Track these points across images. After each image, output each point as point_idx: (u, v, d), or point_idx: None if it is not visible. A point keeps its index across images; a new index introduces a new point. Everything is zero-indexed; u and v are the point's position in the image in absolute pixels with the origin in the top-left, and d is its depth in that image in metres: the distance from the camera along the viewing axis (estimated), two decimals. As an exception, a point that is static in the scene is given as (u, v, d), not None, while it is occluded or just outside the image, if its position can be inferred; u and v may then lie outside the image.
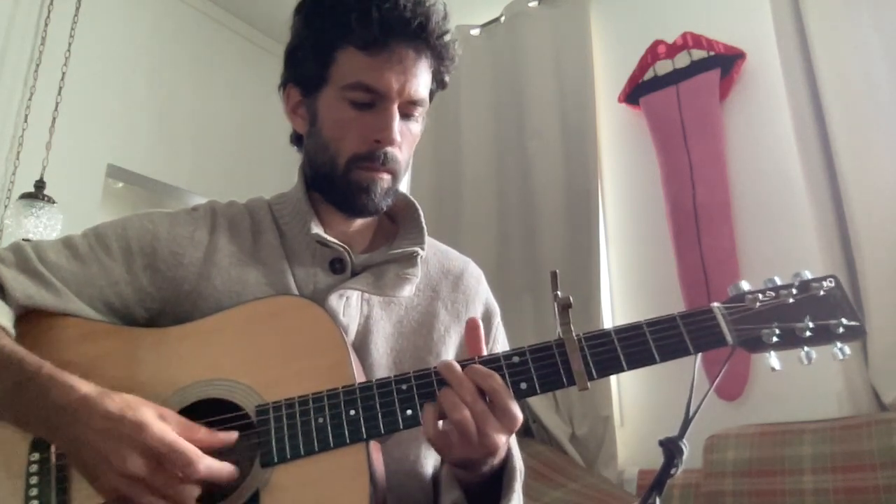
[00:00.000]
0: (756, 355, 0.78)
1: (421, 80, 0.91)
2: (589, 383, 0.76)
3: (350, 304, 0.91)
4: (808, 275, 0.80)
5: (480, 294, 1.06)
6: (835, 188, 2.04)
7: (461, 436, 0.74)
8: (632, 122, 2.66)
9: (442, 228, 2.82)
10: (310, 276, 0.93)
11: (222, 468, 0.74)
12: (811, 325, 0.76)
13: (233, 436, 0.77)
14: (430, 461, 0.93)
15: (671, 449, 0.70)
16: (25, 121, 2.53)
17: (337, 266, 0.94)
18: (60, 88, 2.60)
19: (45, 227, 2.33)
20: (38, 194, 2.39)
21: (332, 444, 0.76)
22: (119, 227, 0.93)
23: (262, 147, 3.31)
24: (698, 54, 2.47)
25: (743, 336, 0.77)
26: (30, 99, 2.55)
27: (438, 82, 0.98)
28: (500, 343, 1.05)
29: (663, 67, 2.56)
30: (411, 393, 0.77)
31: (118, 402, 0.73)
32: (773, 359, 0.77)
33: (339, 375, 0.79)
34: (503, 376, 0.77)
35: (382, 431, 0.76)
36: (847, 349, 0.77)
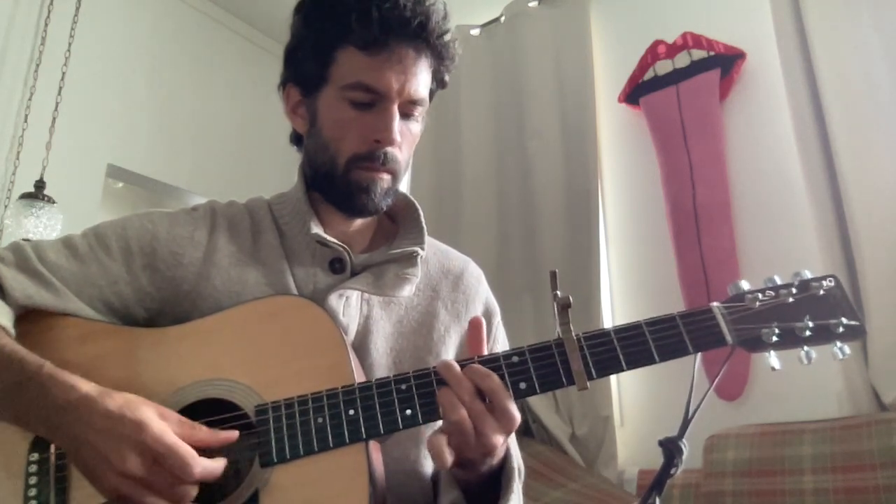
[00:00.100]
0: (756, 355, 0.78)
1: (421, 80, 0.91)
2: (588, 383, 0.76)
3: (350, 304, 0.91)
4: (807, 274, 0.80)
5: (480, 294, 1.05)
6: (835, 188, 2.04)
7: (459, 436, 0.74)
8: (632, 122, 2.66)
9: (442, 228, 2.82)
10: (309, 276, 0.93)
11: (217, 470, 0.74)
12: (811, 324, 0.76)
13: (234, 434, 0.77)
14: (429, 461, 0.93)
15: (671, 449, 0.70)
16: (25, 121, 2.53)
17: (337, 266, 0.94)
18: (60, 88, 2.60)
19: (45, 227, 2.33)
20: (38, 194, 2.39)
21: (331, 444, 0.76)
22: (119, 227, 0.93)
23: (262, 147, 3.31)
24: (698, 54, 2.47)
25: (742, 336, 0.77)
26: (30, 99, 2.55)
27: (438, 82, 0.97)
28: (500, 343, 1.05)
29: (663, 67, 2.56)
30: (411, 393, 0.77)
31: (118, 401, 0.73)
32: (773, 358, 0.77)
33: (339, 375, 0.79)
34: (502, 376, 0.77)
35: (382, 431, 0.76)
36: (847, 349, 0.77)
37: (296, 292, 0.91)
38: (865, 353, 1.91)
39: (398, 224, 1.04)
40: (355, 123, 0.90)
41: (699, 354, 0.77)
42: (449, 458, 0.73)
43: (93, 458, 0.71)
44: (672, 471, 0.70)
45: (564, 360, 0.77)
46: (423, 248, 0.97)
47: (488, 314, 1.05)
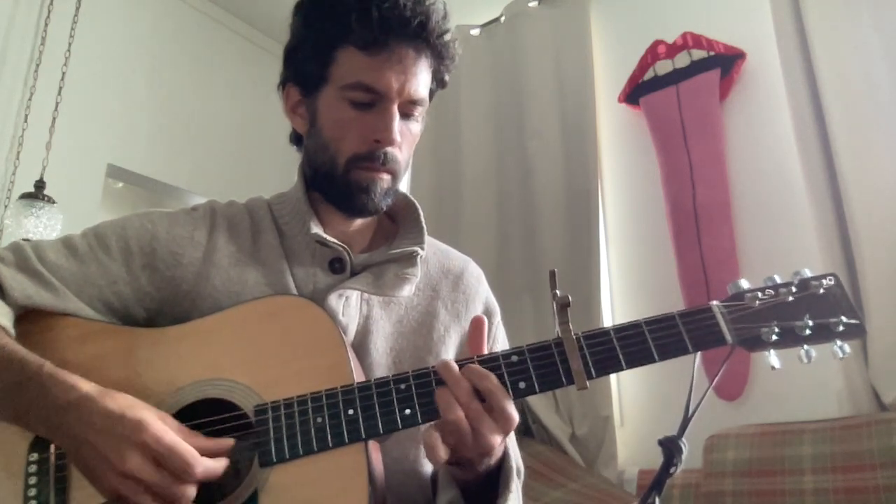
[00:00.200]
0: (756, 355, 0.78)
1: (421, 80, 0.91)
2: (588, 382, 0.76)
3: (349, 304, 0.91)
4: (807, 273, 0.80)
5: (480, 293, 1.05)
6: (835, 188, 2.04)
7: (456, 435, 0.74)
8: (632, 122, 2.66)
9: (442, 228, 2.82)
10: (309, 276, 0.93)
11: (219, 469, 0.74)
12: (811, 323, 0.76)
13: (229, 442, 0.76)
14: (428, 461, 0.93)
15: (670, 448, 0.70)
16: (25, 121, 2.53)
17: (336, 266, 0.94)
18: (60, 88, 2.60)
19: (45, 227, 2.33)
20: (38, 194, 2.39)
21: (330, 444, 0.76)
22: (118, 227, 0.93)
23: (262, 147, 3.31)
24: (698, 54, 2.47)
25: (742, 335, 0.77)
26: (30, 99, 2.55)
27: (438, 82, 0.97)
28: (499, 342, 1.05)
29: (663, 67, 2.56)
30: (410, 393, 0.77)
31: (119, 401, 0.74)
32: (773, 357, 0.77)
33: (338, 375, 0.79)
34: (502, 375, 0.76)
35: (381, 431, 0.76)
36: (847, 347, 0.77)
37: (295, 292, 0.91)
38: (865, 353, 1.91)
39: (398, 224, 1.04)
40: (355, 123, 0.90)
41: (699, 354, 0.77)
42: (443, 453, 0.73)
43: (93, 457, 0.71)
44: (672, 470, 0.70)
45: (564, 359, 0.77)
46: (422, 248, 0.97)
47: (488, 314, 1.05)
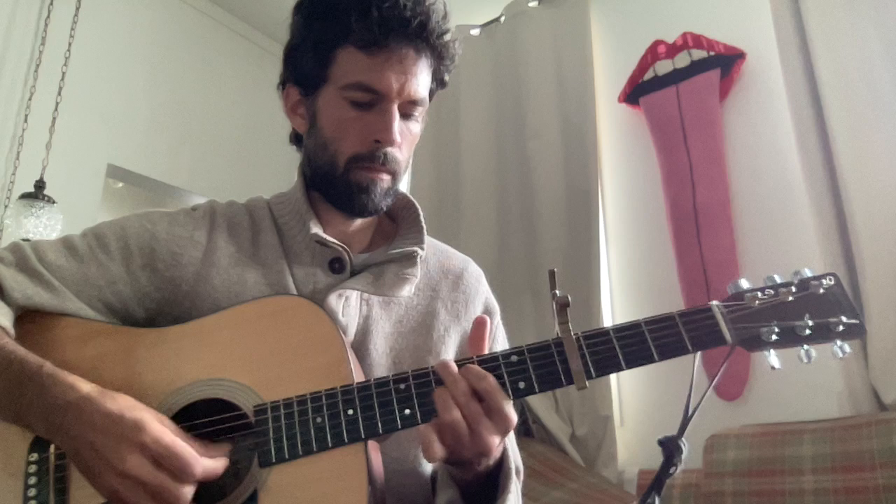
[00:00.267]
0: (756, 355, 0.78)
1: (421, 80, 0.91)
2: (588, 382, 0.76)
3: (349, 304, 0.91)
4: (807, 273, 0.80)
5: (480, 293, 1.05)
6: (835, 188, 2.04)
7: (453, 435, 0.74)
8: (632, 122, 2.66)
9: (442, 228, 2.82)
10: (309, 276, 0.93)
11: (218, 470, 0.74)
12: (811, 323, 0.76)
13: (224, 449, 0.76)
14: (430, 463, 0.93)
15: (670, 448, 0.70)
16: (25, 121, 2.53)
17: (336, 266, 0.94)
18: (60, 88, 2.60)
19: (45, 227, 2.33)
20: (38, 194, 2.39)
21: (330, 444, 0.76)
22: (118, 227, 0.93)
23: (262, 147, 3.31)
24: (698, 54, 2.47)
25: (742, 334, 0.77)
26: (30, 99, 2.55)
27: (438, 82, 0.97)
28: (499, 342, 1.04)
29: (663, 67, 2.56)
30: (409, 392, 0.77)
31: (118, 401, 0.74)
32: (773, 357, 0.77)
33: (338, 375, 0.79)
34: (501, 375, 0.76)
35: (380, 431, 0.76)
36: (847, 347, 0.77)
37: (295, 292, 0.91)
38: (865, 353, 1.91)
39: (398, 224, 1.04)
40: (355, 123, 0.90)
41: (699, 354, 0.77)
42: (439, 450, 0.73)
43: (92, 457, 0.71)
44: (671, 470, 0.70)
45: (563, 359, 0.77)
46: (422, 248, 0.97)
47: (488, 313, 1.05)
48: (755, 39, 2.37)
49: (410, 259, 0.96)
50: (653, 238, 2.50)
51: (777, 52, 2.23)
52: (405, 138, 0.93)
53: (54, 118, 2.57)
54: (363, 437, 0.76)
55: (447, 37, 0.92)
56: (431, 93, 0.97)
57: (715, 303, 0.79)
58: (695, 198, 2.38)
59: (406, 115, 0.92)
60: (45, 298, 0.85)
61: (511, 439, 0.90)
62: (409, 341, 0.95)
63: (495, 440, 0.76)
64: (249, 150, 3.33)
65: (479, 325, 0.82)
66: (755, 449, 1.82)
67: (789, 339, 0.77)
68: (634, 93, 2.62)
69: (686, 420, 0.72)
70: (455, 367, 0.76)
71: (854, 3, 2.11)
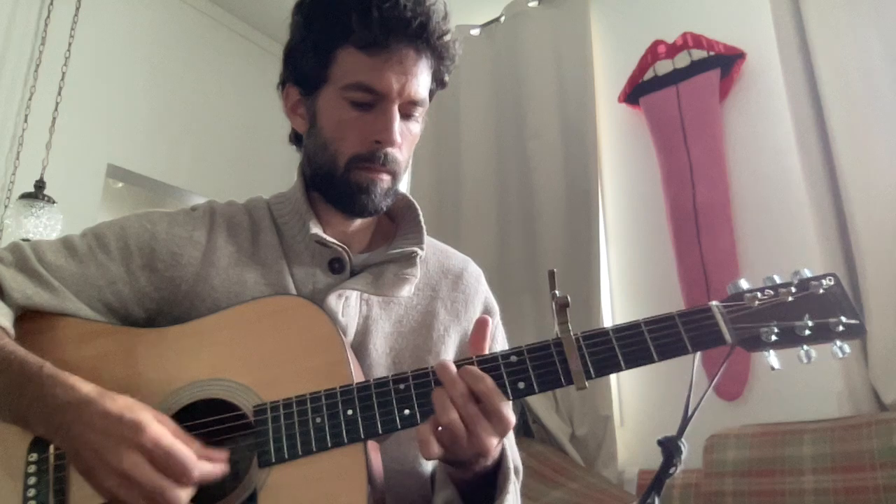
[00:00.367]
0: (756, 355, 0.78)
1: (421, 81, 0.91)
2: (587, 382, 0.76)
3: (349, 304, 0.91)
4: (807, 273, 0.80)
5: (480, 293, 1.05)
6: (835, 188, 2.04)
7: (451, 436, 0.74)
8: (632, 122, 2.66)
9: (442, 228, 2.82)
10: (309, 276, 0.93)
11: (216, 473, 0.74)
12: (810, 323, 0.76)
13: (222, 455, 0.76)
14: (428, 461, 0.93)
15: (670, 448, 0.70)
16: (25, 121, 2.53)
17: (336, 266, 0.94)
18: (60, 88, 2.60)
19: (45, 227, 2.33)
20: (38, 194, 2.39)
21: (329, 445, 0.76)
22: (118, 227, 0.93)
23: (262, 147, 3.31)
24: (698, 54, 2.47)
25: (742, 335, 0.77)
26: (30, 99, 2.55)
27: (438, 82, 0.97)
28: (499, 342, 1.04)
29: (663, 67, 2.56)
30: (409, 393, 0.77)
31: (118, 402, 0.73)
32: (773, 357, 0.77)
33: (338, 375, 0.79)
34: (501, 376, 0.76)
35: (380, 431, 0.76)
36: (847, 347, 0.77)
37: (295, 292, 0.91)
38: (865, 353, 1.91)
39: (397, 224, 1.04)
40: (355, 124, 0.90)
41: (699, 354, 0.77)
42: (435, 447, 0.73)
43: (91, 458, 0.71)
44: (671, 470, 0.70)
45: (563, 359, 0.77)
46: (422, 248, 0.97)
47: (488, 313, 1.04)
48: (755, 39, 2.37)
49: (410, 259, 0.96)
50: (653, 238, 2.50)
51: (777, 52, 2.23)
52: (405, 139, 0.93)
53: (54, 118, 2.57)
54: (363, 437, 0.76)
55: (447, 37, 0.92)
56: (431, 93, 0.97)
57: (714, 303, 0.79)
58: (695, 198, 2.38)
59: (406, 116, 0.92)
60: (45, 298, 0.85)
61: (510, 439, 0.90)
62: (408, 341, 0.95)
63: (493, 441, 0.76)
64: (249, 150, 3.33)
65: (480, 325, 0.82)
66: (755, 449, 1.82)
67: (789, 339, 0.76)
68: (634, 93, 2.62)
69: (686, 420, 0.72)
70: (453, 368, 0.76)
71: (854, 3, 2.11)
